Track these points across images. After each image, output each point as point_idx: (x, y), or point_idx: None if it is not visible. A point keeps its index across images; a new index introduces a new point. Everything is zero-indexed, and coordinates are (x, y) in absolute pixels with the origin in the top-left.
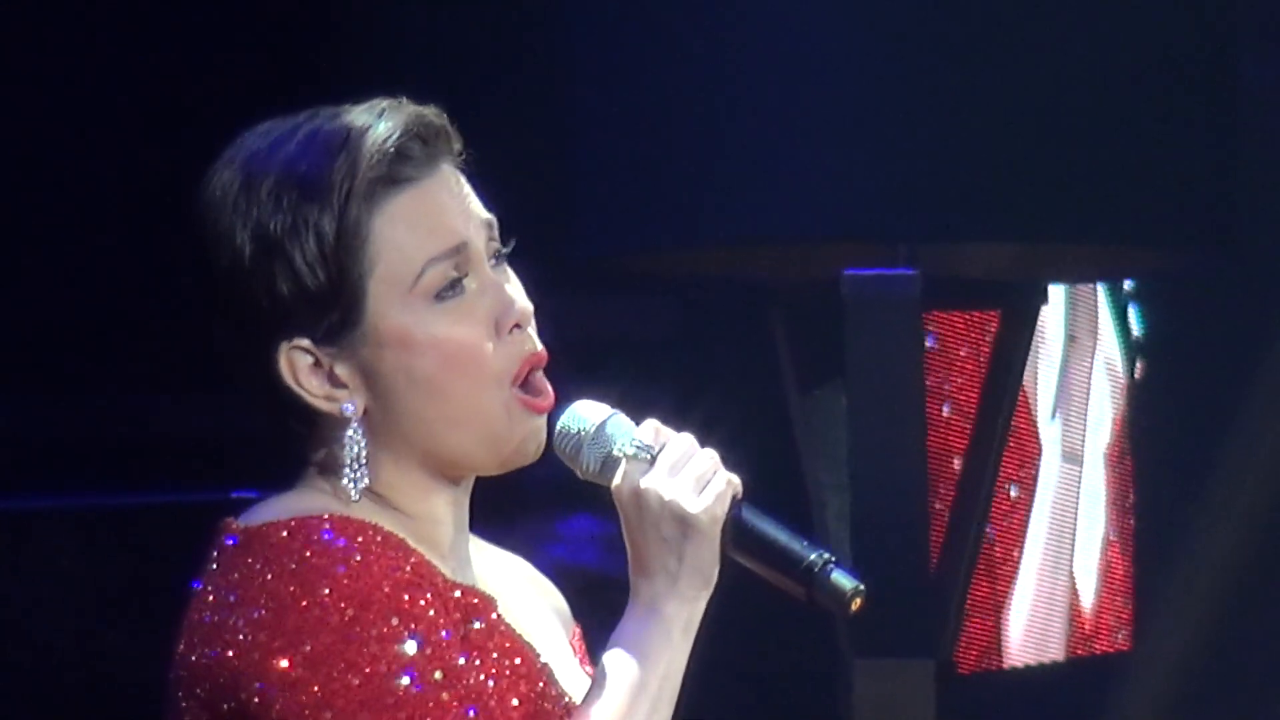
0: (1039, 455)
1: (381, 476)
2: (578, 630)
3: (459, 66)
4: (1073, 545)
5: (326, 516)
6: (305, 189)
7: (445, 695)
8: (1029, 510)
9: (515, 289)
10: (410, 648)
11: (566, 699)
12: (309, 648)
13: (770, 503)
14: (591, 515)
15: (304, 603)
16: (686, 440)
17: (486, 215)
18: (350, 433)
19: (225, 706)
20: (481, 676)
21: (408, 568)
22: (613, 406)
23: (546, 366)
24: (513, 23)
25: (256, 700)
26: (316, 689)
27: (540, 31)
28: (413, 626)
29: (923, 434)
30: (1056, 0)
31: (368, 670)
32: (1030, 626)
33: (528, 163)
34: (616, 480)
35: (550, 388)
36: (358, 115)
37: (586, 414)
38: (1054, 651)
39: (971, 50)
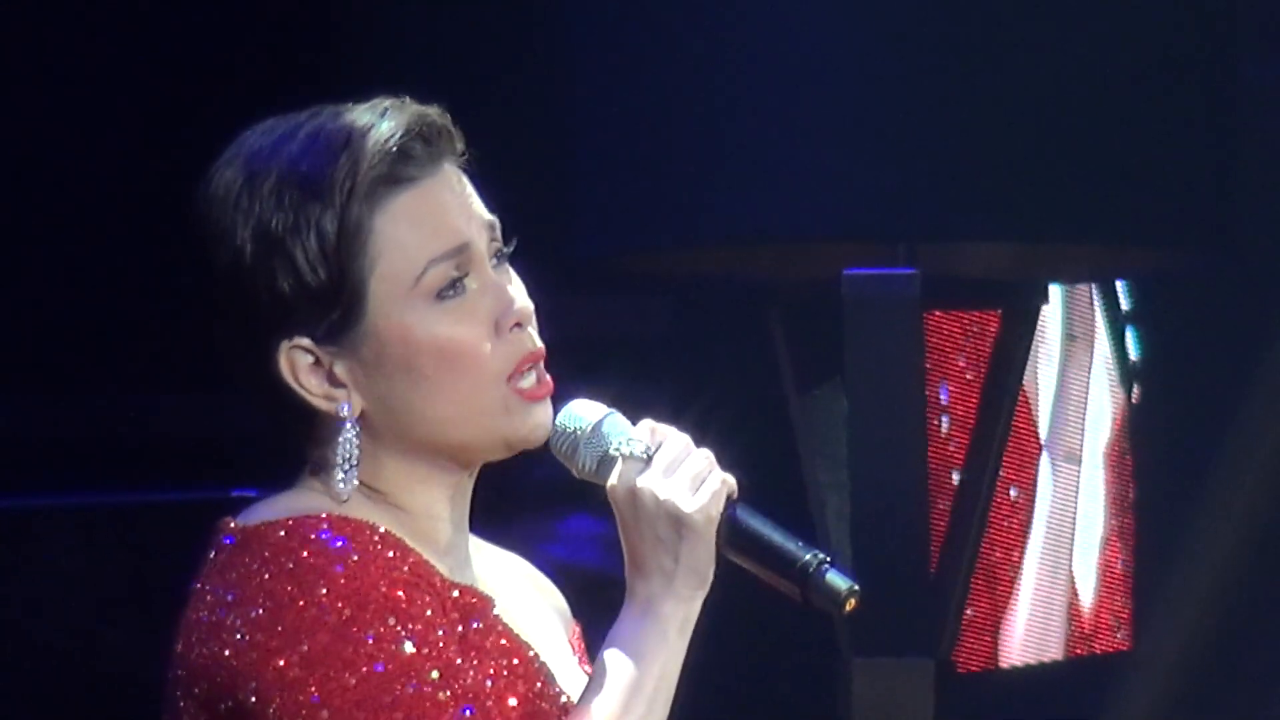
0: (1038, 455)
1: (381, 474)
2: (577, 629)
3: (459, 66)
4: (1072, 545)
5: (324, 516)
6: (307, 187)
7: (442, 695)
8: (1028, 510)
9: (516, 289)
10: (408, 647)
11: (564, 698)
12: (306, 647)
13: (770, 503)
14: (590, 515)
15: (301, 602)
16: (682, 440)
17: (488, 216)
18: (345, 433)
19: (223, 706)
20: (479, 676)
21: (405, 567)
22: (610, 406)
23: (545, 365)
24: (513, 23)
25: (254, 699)
26: (313, 688)
27: (540, 31)
28: (410, 626)
29: (923, 434)
30: (1056, 0)
31: (365, 670)
32: (1029, 626)
33: (528, 163)
34: (612, 479)
35: (548, 376)
36: (360, 114)
37: (583, 413)
38: (1053, 651)
39: (971, 50)
